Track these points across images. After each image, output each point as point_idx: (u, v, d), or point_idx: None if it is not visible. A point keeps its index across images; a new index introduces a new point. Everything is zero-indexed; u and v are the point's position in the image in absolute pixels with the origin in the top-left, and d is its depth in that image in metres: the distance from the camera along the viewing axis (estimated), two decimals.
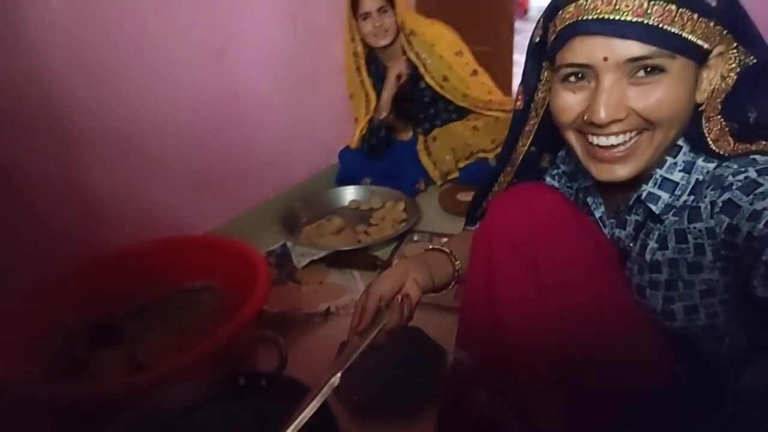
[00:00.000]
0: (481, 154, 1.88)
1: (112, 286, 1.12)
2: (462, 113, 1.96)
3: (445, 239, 1.53)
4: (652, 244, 0.69)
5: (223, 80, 1.55)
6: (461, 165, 1.91)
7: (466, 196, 1.77)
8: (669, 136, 0.63)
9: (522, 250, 0.70)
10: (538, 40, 0.72)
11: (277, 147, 1.76)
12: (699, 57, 0.60)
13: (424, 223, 1.68)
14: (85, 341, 1.06)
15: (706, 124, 0.64)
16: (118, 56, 1.26)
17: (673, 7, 0.56)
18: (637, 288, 0.72)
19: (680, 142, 0.66)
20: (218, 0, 1.47)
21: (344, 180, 1.92)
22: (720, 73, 0.63)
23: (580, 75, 0.63)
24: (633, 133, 0.63)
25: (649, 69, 0.59)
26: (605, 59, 0.59)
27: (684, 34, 0.57)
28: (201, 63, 1.47)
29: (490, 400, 0.75)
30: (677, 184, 0.66)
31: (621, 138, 0.63)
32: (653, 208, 0.68)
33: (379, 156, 1.92)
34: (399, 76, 1.79)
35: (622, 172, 0.65)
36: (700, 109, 0.64)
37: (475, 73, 1.94)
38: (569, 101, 0.64)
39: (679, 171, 0.66)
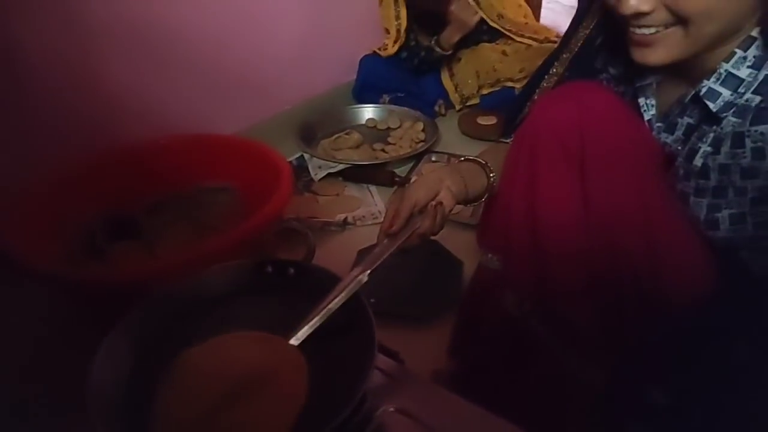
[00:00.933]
0: (508, 83, 1.80)
1: (129, 180, 1.10)
2: (493, 35, 1.84)
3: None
4: (705, 147, 0.65)
5: None
6: (484, 92, 1.83)
7: (488, 120, 1.72)
8: (709, 30, 0.58)
9: (571, 149, 0.66)
10: None
11: (294, 53, 1.69)
12: None
13: (443, 145, 1.64)
14: (103, 233, 1.05)
15: None
16: None
17: None
18: (681, 195, 0.69)
19: (755, 33, 0.61)
20: None
21: (361, 90, 1.84)
22: None
23: None
24: (661, 27, 0.60)
25: None
26: None
27: None
28: None
29: (518, 304, 0.75)
30: (743, 80, 0.61)
31: (652, 29, 0.60)
32: (711, 105, 0.63)
33: (422, 74, 1.84)
34: (465, 27, 1.67)
35: (652, 57, 0.62)
36: None
37: (526, 17, 1.85)
38: None
39: (748, 67, 0.61)
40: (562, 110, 0.67)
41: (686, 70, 0.68)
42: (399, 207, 0.71)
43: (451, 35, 1.70)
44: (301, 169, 1.49)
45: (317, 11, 1.71)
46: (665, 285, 0.68)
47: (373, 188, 1.43)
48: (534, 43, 1.80)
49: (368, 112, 1.79)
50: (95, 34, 1.17)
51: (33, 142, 1.13)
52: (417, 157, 1.53)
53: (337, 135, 1.64)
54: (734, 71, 0.62)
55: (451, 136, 1.70)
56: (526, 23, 1.84)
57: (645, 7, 0.58)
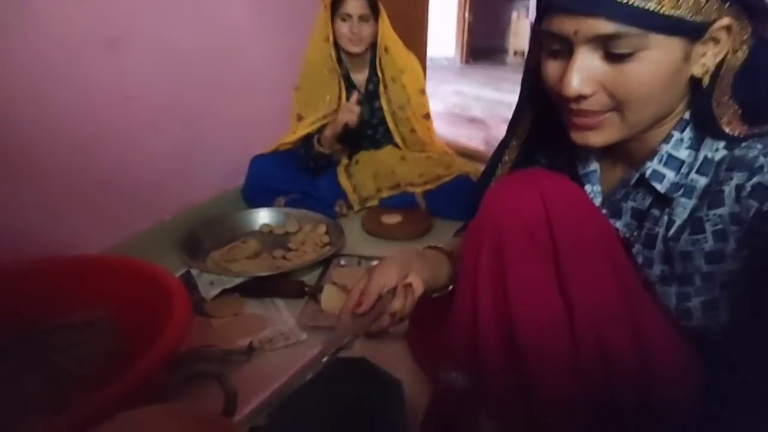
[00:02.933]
0: (408, 188, 1.76)
1: None
2: (389, 138, 1.87)
3: (375, 262, 1.40)
4: (662, 232, 0.61)
5: (114, 77, 1.29)
6: (384, 195, 1.79)
7: (392, 219, 1.65)
8: (644, 115, 0.59)
9: (541, 240, 0.59)
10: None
11: (174, 161, 1.51)
12: (690, 32, 0.55)
13: (349, 246, 1.52)
14: None
15: (717, 108, 0.59)
16: None
17: None
18: (645, 283, 0.64)
19: (687, 116, 0.61)
20: None
21: (252, 193, 1.69)
22: (730, 46, 0.58)
23: (559, 46, 0.59)
24: (600, 112, 0.60)
25: (624, 46, 0.54)
26: (575, 33, 0.55)
27: (663, 11, 0.52)
28: (89, 54, 1.22)
29: (498, 430, 0.61)
30: (683, 161, 0.61)
31: (590, 115, 0.60)
32: (658, 187, 0.62)
33: (317, 174, 1.76)
34: (347, 124, 1.64)
35: (592, 139, 0.62)
36: (705, 87, 0.59)
37: (427, 116, 1.90)
38: (550, 69, 0.61)
39: (686, 148, 0.62)
40: (525, 199, 0.61)
41: (626, 154, 0.68)
42: (366, 286, 0.68)
43: (328, 133, 1.67)
44: (188, 287, 1.26)
45: (198, 112, 1.58)
46: (659, 383, 0.60)
47: (279, 302, 1.24)
48: (434, 155, 1.86)
49: (263, 216, 1.63)
50: None
51: None
52: (324, 262, 1.39)
53: (230, 245, 1.44)
54: (674, 153, 0.62)
55: (356, 237, 1.59)
56: (432, 144, 1.92)
57: (587, 90, 0.58)
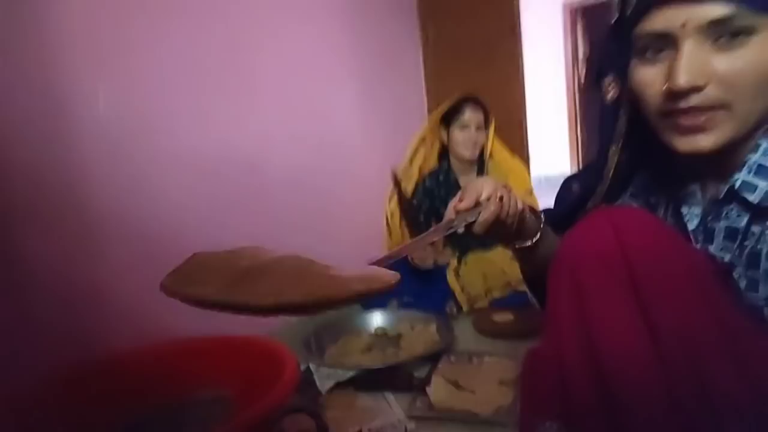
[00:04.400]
0: (520, 287, 1.75)
1: (105, 396, 0.95)
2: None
3: (487, 357, 1.36)
4: (766, 248, 0.57)
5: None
6: (495, 295, 1.78)
7: (504, 317, 1.62)
8: (753, 111, 0.57)
9: (620, 275, 0.56)
10: (616, 17, 0.67)
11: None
12: None
13: (460, 345, 1.50)
14: None
15: None
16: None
17: None
18: (751, 309, 0.57)
19: None
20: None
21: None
22: None
23: (659, 48, 0.59)
24: (708, 110, 0.58)
25: (733, 32, 0.54)
26: (683, 25, 0.55)
27: None
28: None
29: None
30: None
31: (698, 113, 0.59)
32: (750, 197, 0.58)
33: (428, 276, 1.82)
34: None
35: (703, 142, 0.59)
36: None
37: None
38: (649, 74, 0.60)
39: None
40: (599, 236, 0.59)
41: (714, 170, 0.65)
42: (464, 189, 0.75)
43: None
44: (306, 384, 1.32)
45: (321, 219, 1.76)
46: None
47: (390, 396, 1.25)
48: None
49: (377, 319, 1.69)
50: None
51: None
52: (433, 358, 1.38)
53: (345, 338, 1.51)
54: (764, 162, 0.59)
55: (467, 337, 1.57)
56: None
57: (700, 81, 0.56)
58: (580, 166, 6.13)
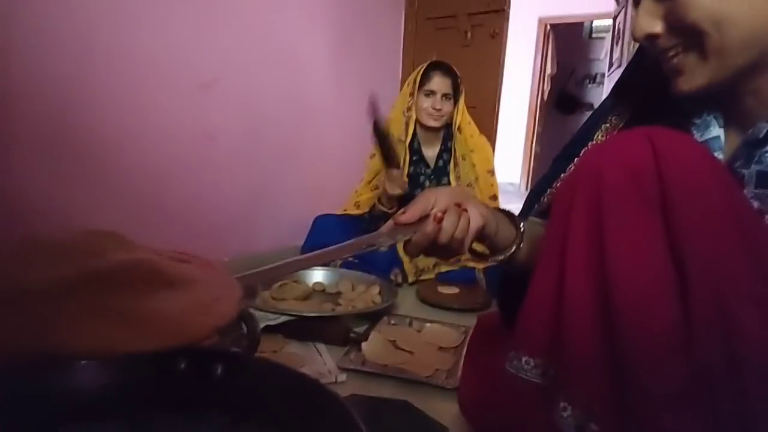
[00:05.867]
0: (469, 263, 1.70)
1: None
2: None
3: (428, 324, 1.30)
4: None
5: (200, 117, 1.39)
6: (443, 269, 1.73)
7: (449, 290, 1.57)
8: (729, 43, 0.53)
9: (651, 193, 0.48)
10: None
11: (243, 206, 1.56)
12: None
13: (400, 311, 1.43)
14: None
15: None
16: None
17: None
18: None
19: None
20: (210, 25, 1.39)
21: (311, 249, 1.66)
22: None
23: None
24: (680, 51, 0.57)
25: None
26: None
27: None
28: (182, 93, 1.33)
29: (583, 421, 0.49)
30: None
31: (671, 54, 0.58)
32: None
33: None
34: (396, 196, 1.65)
35: (682, 84, 0.58)
36: None
37: (494, 197, 1.91)
38: (635, 23, 0.60)
39: None
40: (633, 149, 0.50)
41: (745, 115, 0.61)
42: (413, 201, 0.66)
43: (385, 200, 1.67)
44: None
45: (273, 164, 1.65)
46: None
47: (321, 346, 1.16)
48: None
49: (317, 275, 1.59)
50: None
51: None
52: (373, 317, 1.30)
53: (281, 282, 1.40)
54: None
55: (410, 304, 1.51)
56: None
57: (655, 28, 0.57)
58: (530, 181, 6.26)
